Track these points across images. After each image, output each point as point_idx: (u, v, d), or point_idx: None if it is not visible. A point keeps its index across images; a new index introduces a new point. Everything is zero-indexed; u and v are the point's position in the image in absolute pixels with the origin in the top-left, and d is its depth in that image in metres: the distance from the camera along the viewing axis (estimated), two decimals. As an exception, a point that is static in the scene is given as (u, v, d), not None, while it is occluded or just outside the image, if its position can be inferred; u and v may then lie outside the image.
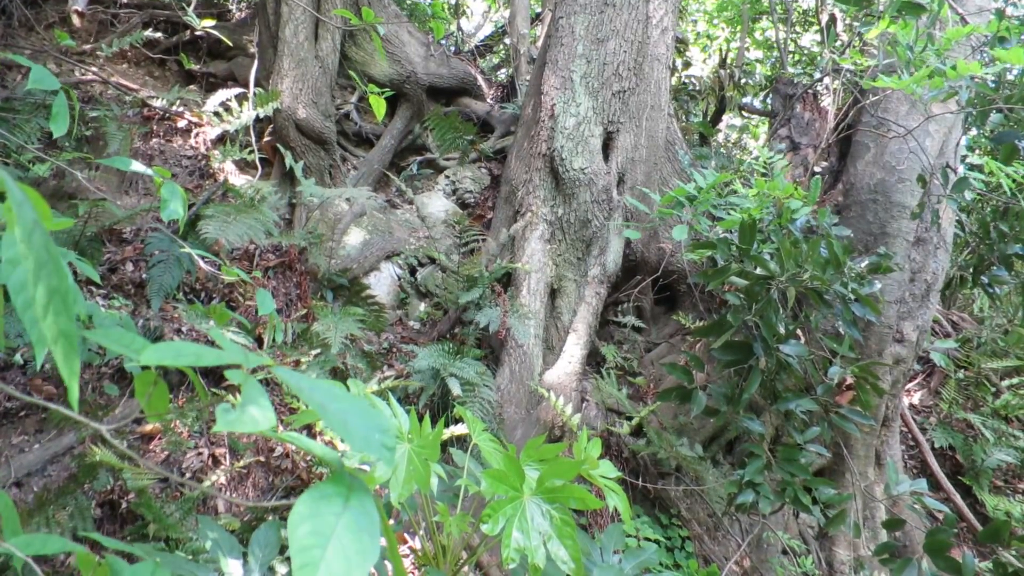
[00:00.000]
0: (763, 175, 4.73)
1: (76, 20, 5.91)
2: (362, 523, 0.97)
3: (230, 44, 6.11)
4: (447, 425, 4.04)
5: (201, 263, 2.34)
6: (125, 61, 6.83)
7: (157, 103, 6.10)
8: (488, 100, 7.72)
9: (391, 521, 2.81)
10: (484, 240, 5.71)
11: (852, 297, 3.31)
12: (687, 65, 8.90)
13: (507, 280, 5.22)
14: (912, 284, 5.07)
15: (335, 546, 0.92)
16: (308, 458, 3.74)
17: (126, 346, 1.09)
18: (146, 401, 1.23)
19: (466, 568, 3.29)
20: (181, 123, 6.14)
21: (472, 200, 6.50)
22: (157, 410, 1.25)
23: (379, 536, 0.97)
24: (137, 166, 2.17)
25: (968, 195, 4.42)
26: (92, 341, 3.45)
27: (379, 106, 2.92)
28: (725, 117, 9.61)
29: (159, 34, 6.57)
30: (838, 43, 6.76)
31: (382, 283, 5.39)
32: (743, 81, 8.82)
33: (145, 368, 1.46)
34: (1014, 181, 3.48)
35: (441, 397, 4.35)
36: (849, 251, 3.67)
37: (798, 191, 3.61)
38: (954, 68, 3.27)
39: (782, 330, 3.43)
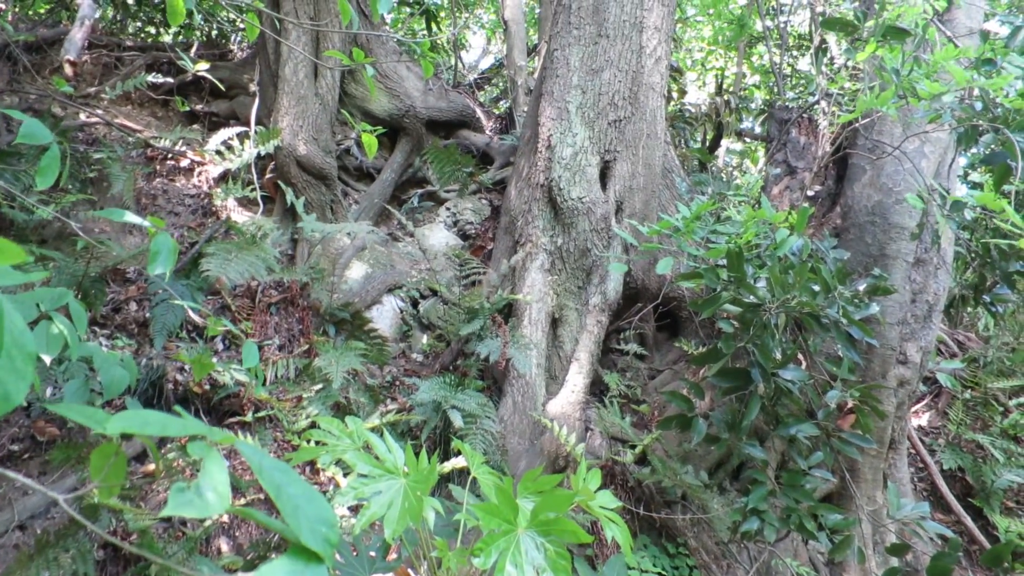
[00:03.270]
0: (755, 202, 4.75)
1: (68, 69, 6.02)
2: None
3: (227, 85, 6.21)
4: (448, 458, 4.03)
5: (192, 314, 2.37)
6: (129, 103, 6.95)
7: (160, 143, 6.19)
8: (487, 132, 7.80)
9: (392, 556, 2.80)
10: (485, 271, 5.74)
11: (845, 321, 3.32)
12: (682, 93, 8.98)
13: (508, 310, 5.23)
14: (914, 305, 5.06)
15: None
16: (310, 494, 3.73)
17: (88, 418, 1.11)
18: (102, 475, 1.24)
19: (468, 603, 3.27)
20: (184, 162, 6.23)
21: (473, 231, 6.54)
22: (113, 482, 1.25)
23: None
24: (131, 217, 2.20)
25: (969, 215, 4.43)
26: (93, 381, 3.48)
27: (371, 144, 2.96)
28: (724, 142, 9.67)
29: (161, 78, 6.67)
30: (833, 67, 6.82)
31: (384, 316, 5.42)
32: (740, 106, 8.88)
33: (105, 439, 1.48)
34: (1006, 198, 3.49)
35: (443, 430, 4.35)
36: (845, 274, 3.68)
37: (791, 216, 3.63)
38: (924, 89, 3.31)
39: (779, 355, 3.43)
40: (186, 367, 4.15)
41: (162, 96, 7.05)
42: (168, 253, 1.93)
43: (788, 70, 9.34)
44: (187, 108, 6.59)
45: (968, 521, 5.55)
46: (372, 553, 2.57)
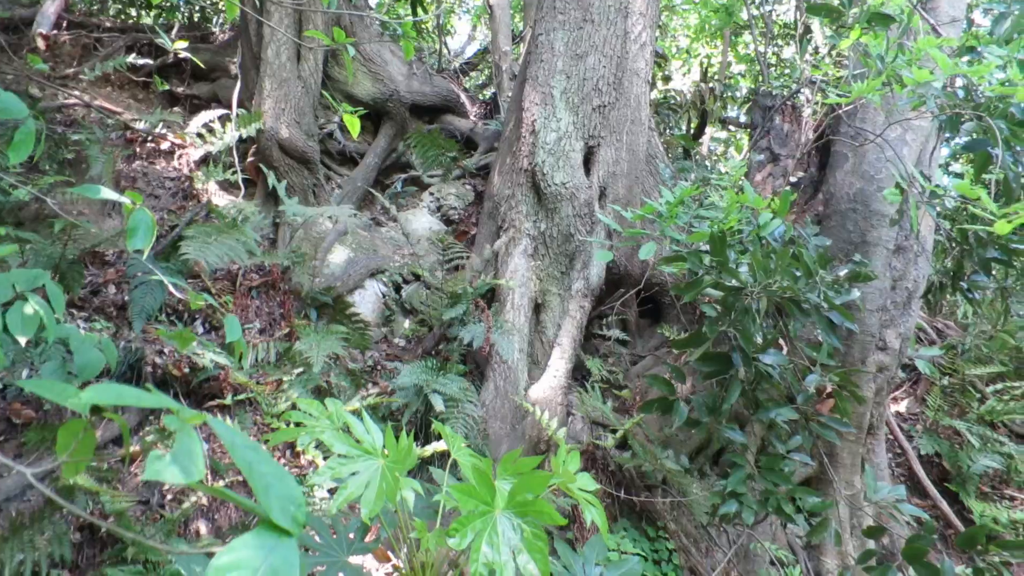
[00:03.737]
0: (738, 188, 4.76)
1: (41, 43, 5.93)
2: None
3: (209, 67, 6.14)
4: (429, 441, 4.04)
5: (172, 289, 2.34)
6: (108, 84, 6.86)
7: (140, 125, 6.12)
8: (471, 117, 7.76)
9: (368, 538, 2.80)
10: (468, 256, 5.73)
11: (826, 306, 3.33)
12: (667, 79, 8.97)
13: (491, 296, 5.22)
14: (893, 292, 5.09)
15: None
16: (290, 477, 3.72)
17: (58, 393, 1.11)
18: (69, 452, 1.22)
19: (448, 584, 3.27)
20: (164, 145, 6.16)
21: (456, 216, 6.52)
22: (80, 458, 1.23)
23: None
24: (107, 192, 2.17)
25: (950, 203, 4.46)
26: (70, 363, 3.44)
27: (353, 125, 2.93)
28: (709, 130, 9.68)
29: (142, 60, 6.57)
30: (817, 54, 6.83)
31: (367, 301, 5.39)
32: (725, 94, 8.89)
33: (76, 415, 1.46)
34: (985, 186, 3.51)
35: (424, 414, 4.34)
36: (826, 260, 3.70)
37: (774, 202, 3.63)
38: (911, 76, 3.32)
39: (759, 340, 3.44)
40: (165, 350, 4.12)
41: (142, 78, 6.96)
42: (146, 229, 1.90)
43: (773, 59, 9.35)
44: (166, 87, 6.51)
45: (944, 505, 5.62)
46: (351, 535, 2.57)
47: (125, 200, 1.89)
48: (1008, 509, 5.64)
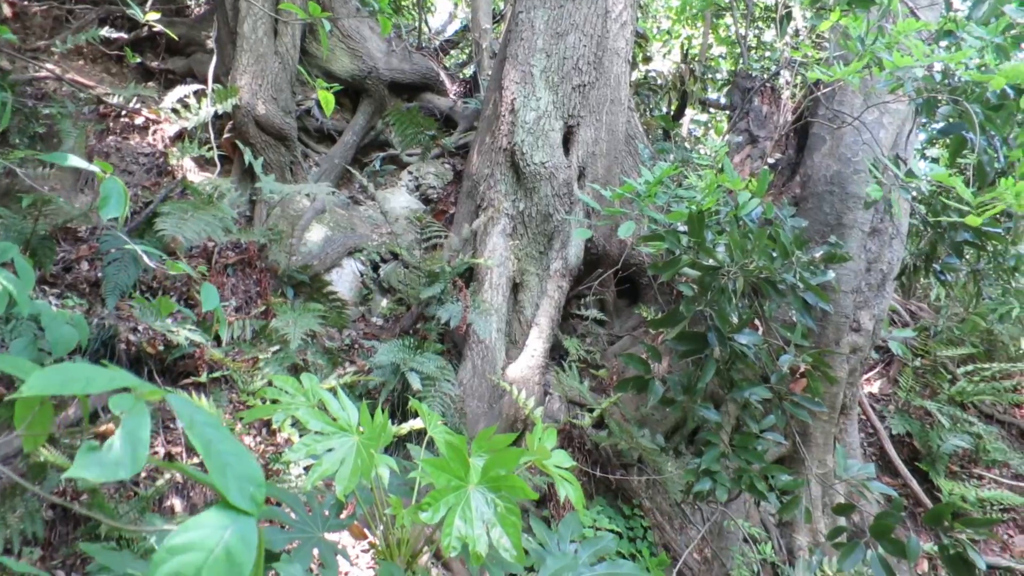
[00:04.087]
0: (718, 169, 4.78)
1: (7, 9, 5.80)
2: (238, 558, 0.94)
3: (184, 42, 6.03)
4: (406, 420, 4.04)
5: (147, 259, 2.31)
6: (81, 58, 6.72)
7: (113, 100, 6.01)
8: (451, 95, 7.71)
9: (344, 514, 2.80)
10: (447, 235, 5.71)
11: (802, 286, 3.36)
12: (647, 60, 8.95)
13: (469, 275, 5.22)
14: (868, 274, 5.15)
15: None
16: (266, 455, 3.71)
17: (17, 368, 1.08)
18: (25, 426, 1.20)
19: (424, 559, 3.29)
20: (138, 120, 6.06)
21: (435, 195, 6.49)
22: (38, 431, 1.21)
23: (252, 573, 0.94)
24: (76, 160, 2.13)
25: (925, 187, 4.50)
26: (42, 340, 3.39)
27: (328, 102, 2.90)
28: (689, 112, 9.68)
29: (115, 33, 6.44)
30: (797, 36, 6.84)
31: (344, 279, 5.37)
32: (705, 76, 8.89)
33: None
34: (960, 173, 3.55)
35: (402, 392, 4.34)
36: (803, 242, 3.73)
37: (751, 183, 3.65)
38: (890, 59, 3.34)
39: (735, 320, 3.47)
40: (139, 327, 4.08)
41: (116, 52, 6.83)
42: (119, 198, 1.87)
43: (754, 42, 9.36)
44: (138, 59, 6.39)
45: (914, 484, 5.73)
46: (326, 511, 2.57)
47: (95, 168, 1.86)
48: (976, 488, 5.76)
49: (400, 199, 6.34)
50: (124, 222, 4.91)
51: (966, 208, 3.46)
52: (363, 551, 3.53)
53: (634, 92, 8.26)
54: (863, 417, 6.15)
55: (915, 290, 7.90)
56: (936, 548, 2.87)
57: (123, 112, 6.05)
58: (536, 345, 4.87)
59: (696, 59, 8.88)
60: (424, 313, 5.03)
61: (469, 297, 4.87)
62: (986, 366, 6.43)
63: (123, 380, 1.03)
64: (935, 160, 8.20)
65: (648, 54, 8.96)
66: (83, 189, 5.29)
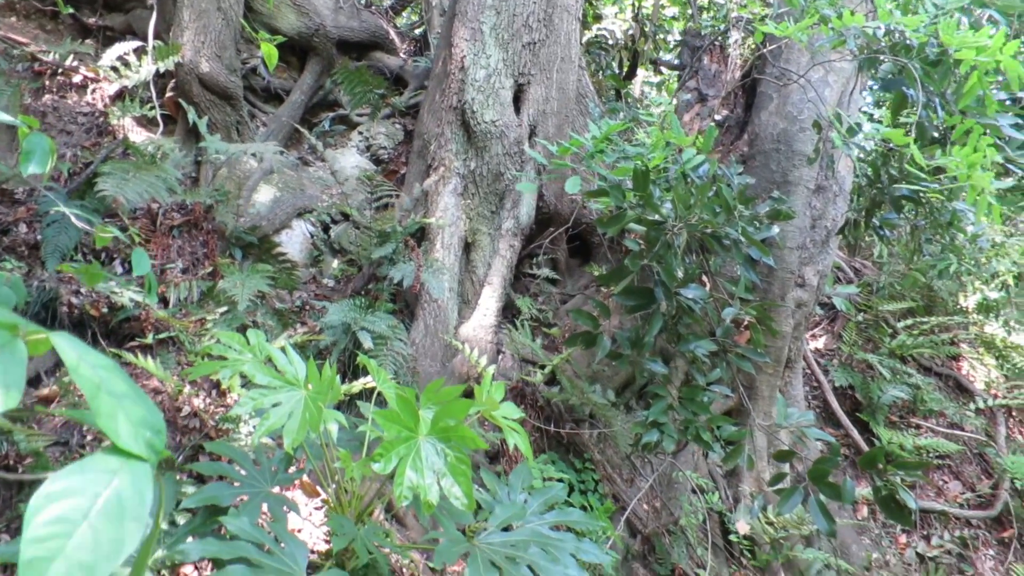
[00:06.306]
0: (662, 126, 4.81)
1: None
2: (128, 506, 0.86)
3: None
4: (356, 377, 4.04)
5: (77, 222, 2.25)
6: (13, 13, 6.46)
7: (49, 57, 5.80)
8: (401, 54, 7.59)
9: (292, 469, 2.81)
10: (398, 195, 5.67)
11: (745, 241, 3.43)
12: (598, 19, 8.91)
13: (421, 235, 5.20)
14: (813, 231, 5.26)
15: (84, 535, 0.80)
16: (216, 416, 3.69)
17: None
18: None
19: (376, 513, 3.32)
20: (76, 79, 5.86)
21: (386, 156, 6.43)
22: None
23: (146, 522, 0.86)
24: (1, 115, 2.07)
25: (869, 145, 4.58)
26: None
27: (271, 56, 2.85)
28: (641, 73, 9.69)
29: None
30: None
31: (294, 241, 5.31)
32: (657, 36, 8.89)
33: None
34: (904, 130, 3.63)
35: (353, 352, 4.33)
36: (747, 198, 3.79)
37: (698, 139, 3.69)
38: (839, 17, 3.39)
39: (681, 275, 3.53)
40: (82, 289, 3.99)
41: (50, 7, 6.56)
42: (43, 153, 1.83)
43: (705, 2, 9.37)
44: (70, 10, 6.15)
45: (855, 433, 5.94)
46: (274, 467, 2.58)
47: (18, 123, 1.81)
48: (914, 436, 5.99)
49: (350, 159, 6.26)
50: (56, 180, 4.78)
51: (921, 176, 3.56)
52: (316, 508, 3.55)
53: (585, 51, 8.23)
54: (808, 371, 6.33)
55: (859, 247, 8.10)
56: (872, 491, 2.99)
57: (60, 70, 5.84)
58: (489, 304, 4.90)
59: (648, 18, 8.87)
60: (376, 273, 5.00)
61: (421, 257, 4.86)
62: (925, 320, 6.65)
63: (5, 318, 0.95)
64: (880, 122, 8.34)
65: (599, 12, 8.92)
66: (19, 149, 5.11)
